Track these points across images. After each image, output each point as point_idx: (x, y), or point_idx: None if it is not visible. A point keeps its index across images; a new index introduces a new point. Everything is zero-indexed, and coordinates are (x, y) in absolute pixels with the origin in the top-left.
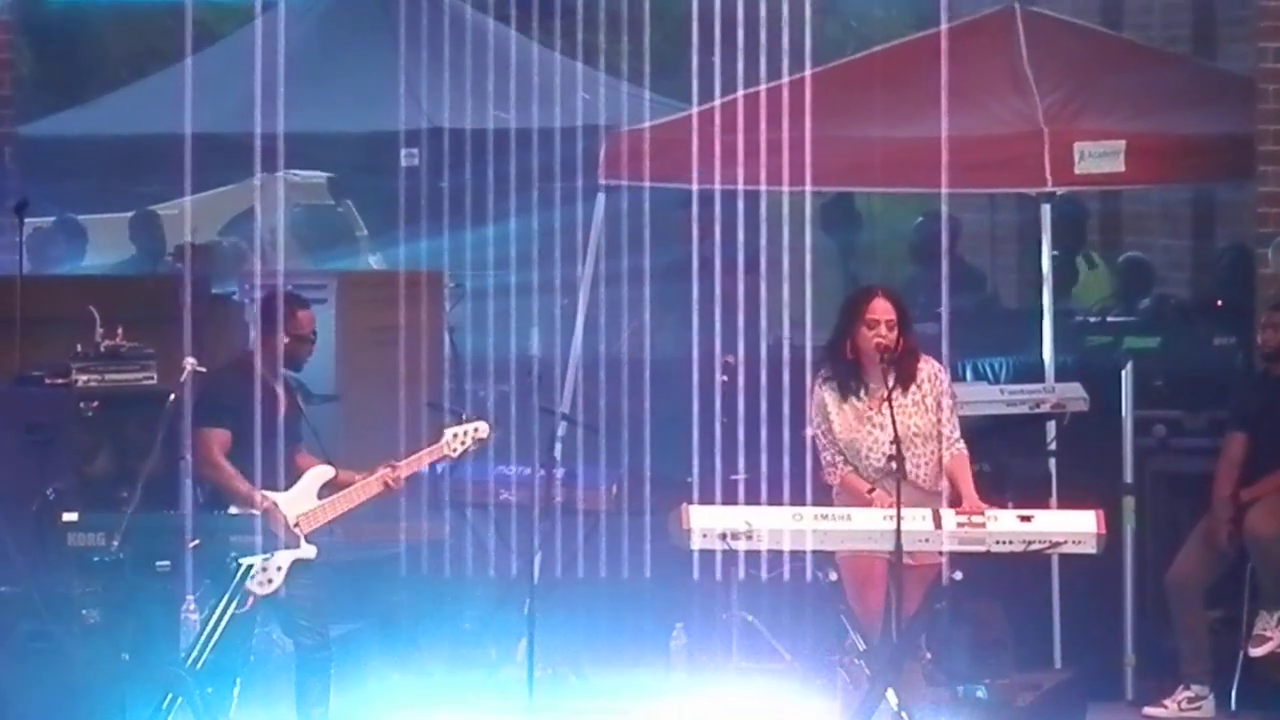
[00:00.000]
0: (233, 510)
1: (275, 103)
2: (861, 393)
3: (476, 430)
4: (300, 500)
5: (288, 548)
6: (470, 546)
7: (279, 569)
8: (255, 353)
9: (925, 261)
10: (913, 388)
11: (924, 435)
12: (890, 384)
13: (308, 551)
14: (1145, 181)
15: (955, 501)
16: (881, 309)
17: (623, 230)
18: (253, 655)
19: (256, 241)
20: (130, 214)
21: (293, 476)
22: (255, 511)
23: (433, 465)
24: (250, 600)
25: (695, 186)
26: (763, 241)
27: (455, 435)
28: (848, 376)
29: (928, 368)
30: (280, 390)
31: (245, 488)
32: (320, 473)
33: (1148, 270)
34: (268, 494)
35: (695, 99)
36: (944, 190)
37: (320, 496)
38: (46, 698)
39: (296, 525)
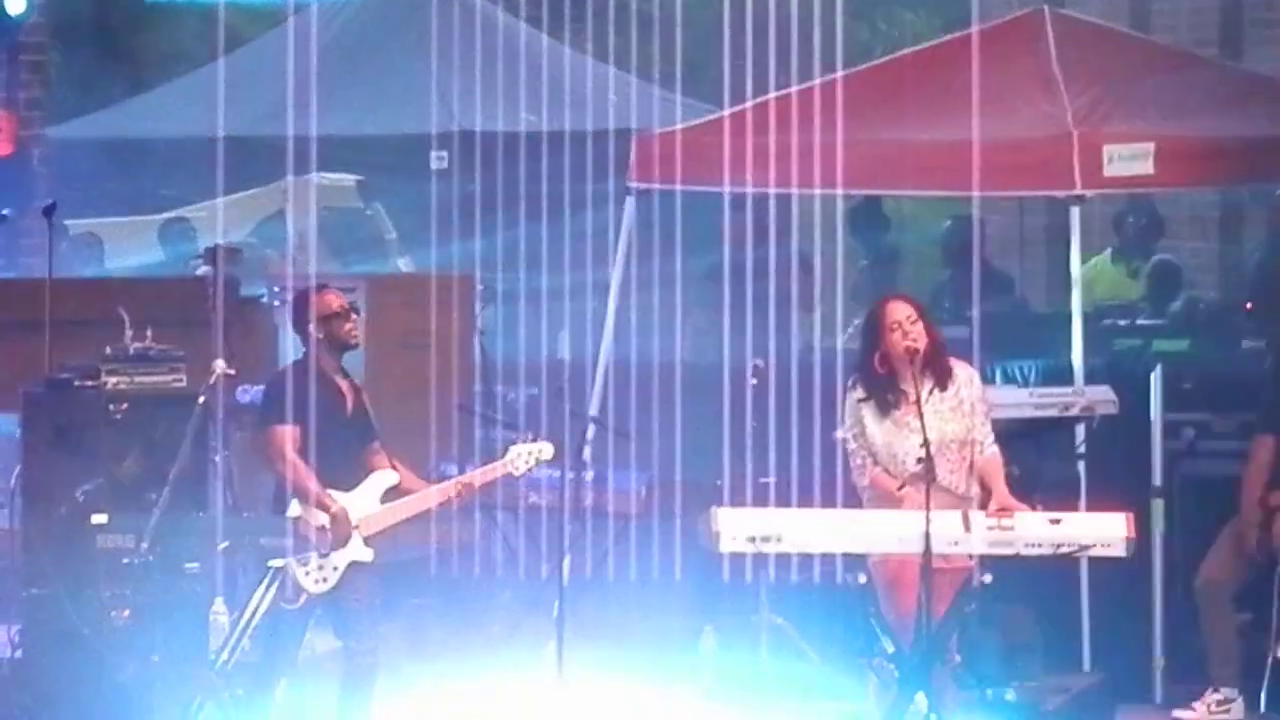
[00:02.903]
0: (294, 510)
1: (305, 105)
2: (899, 401)
3: (541, 451)
4: (363, 503)
5: (323, 555)
6: (500, 549)
7: (335, 569)
8: (311, 350)
9: (954, 264)
10: (950, 391)
11: (959, 441)
12: (926, 385)
13: (365, 554)
14: (1174, 184)
15: (987, 501)
16: (899, 309)
17: (654, 233)
18: (294, 660)
19: (289, 245)
20: (157, 216)
21: (363, 476)
22: (325, 512)
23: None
24: (303, 597)
25: (726, 189)
26: (793, 244)
27: (520, 455)
28: (884, 391)
29: (963, 372)
30: (345, 386)
31: (316, 487)
32: (385, 477)
33: (1178, 273)
34: (334, 495)
35: (726, 102)
36: (975, 194)
37: (384, 500)
38: (76, 699)
39: (357, 527)
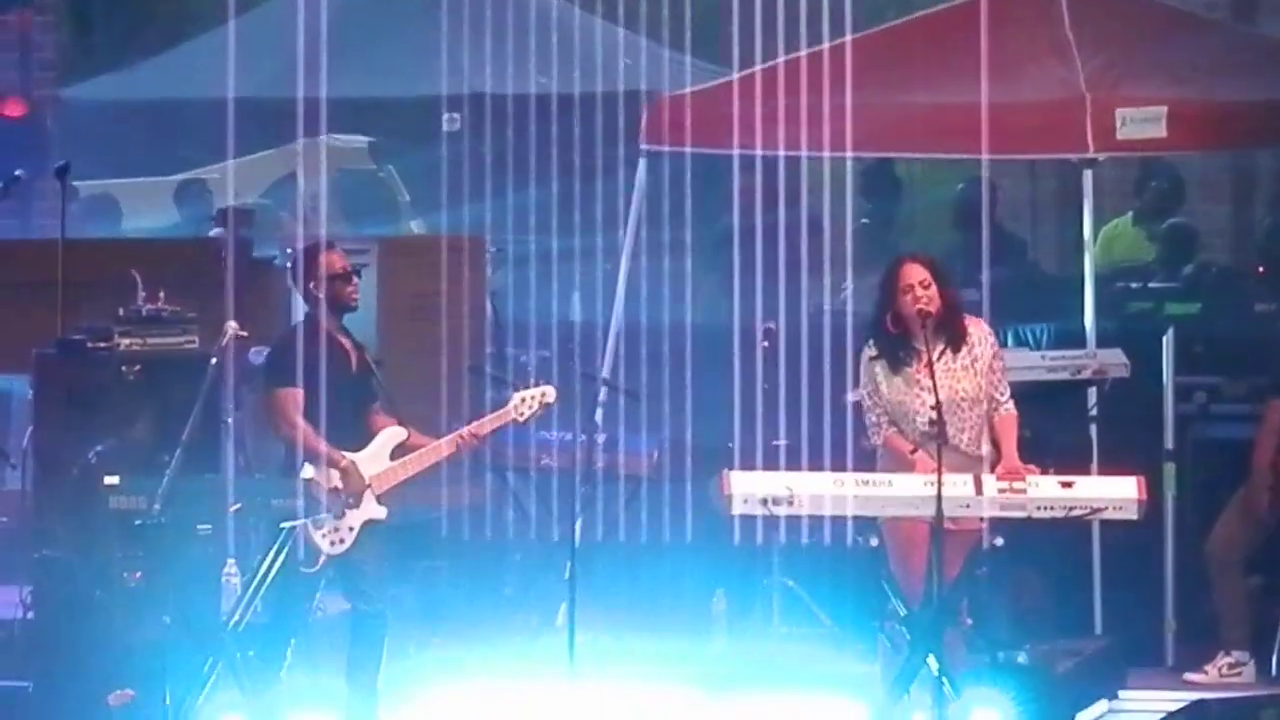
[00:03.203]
0: (306, 472)
1: (317, 67)
2: (911, 361)
3: (544, 395)
4: (373, 461)
5: (335, 515)
6: (511, 511)
7: (351, 529)
8: (318, 310)
9: (966, 228)
10: (963, 350)
11: (970, 399)
12: (939, 346)
13: (379, 512)
14: (1187, 147)
15: (996, 463)
16: (913, 272)
17: (664, 196)
18: (307, 618)
19: (300, 207)
20: (170, 178)
21: (368, 436)
22: (337, 468)
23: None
24: (321, 559)
25: (736, 152)
26: (803, 207)
27: (523, 399)
28: (895, 349)
29: (977, 330)
30: (349, 346)
31: (324, 447)
32: (393, 434)
33: (1192, 237)
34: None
35: (737, 65)
36: (986, 157)
37: (393, 458)
38: (87, 660)
39: (369, 485)
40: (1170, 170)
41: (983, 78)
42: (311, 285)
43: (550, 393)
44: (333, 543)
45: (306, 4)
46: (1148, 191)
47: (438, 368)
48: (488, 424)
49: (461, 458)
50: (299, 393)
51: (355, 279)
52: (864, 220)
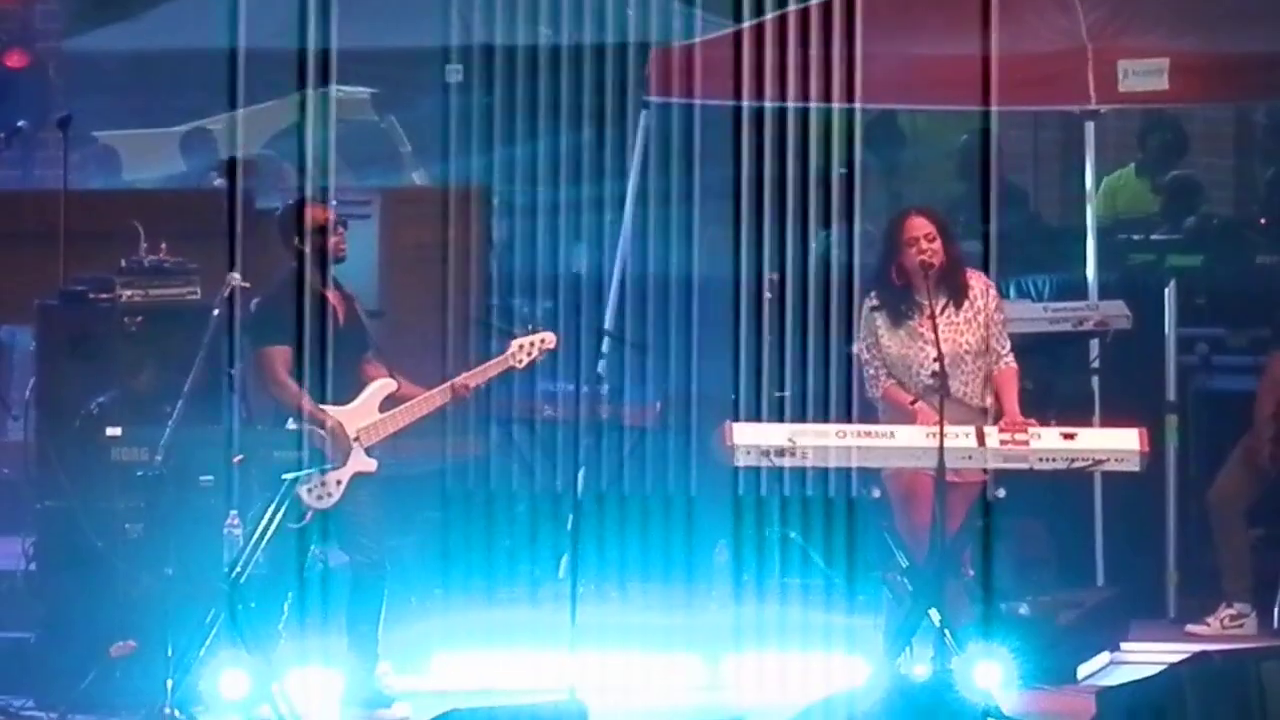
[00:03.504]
0: (291, 425)
1: (320, 17)
2: (913, 314)
3: (543, 341)
4: (362, 414)
5: (336, 466)
6: (514, 463)
7: (338, 483)
8: (303, 264)
9: (969, 179)
10: (965, 304)
11: (973, 352)
12: (941, 300)
13: (368, 465)
14: (1189, 100)
15: (998, 416)
16: (919, 225)
17: (672, 148)
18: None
19: (308, 157)
20: (172, 129)
21: (360, 387)
22: (321, 430)
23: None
24: (308, 515)
25: (745, 103)
26: (809, 159)
27: (521, 346)
28: (898, 301)
29: (978, 283)
30: (334, 299)
31: (310, 405)
32: (383, 385)
33: (1196, 189)
34: (329, 409)
35: (746, 15)
36: (991, 108)
37: (383, 409)
38: (89, 611)
39: (357, 439)
40: (1173, 123)
41: (992, 29)
42: (297, 240)
43: (550, 338)
44: (319, 497)
45: None
46: (1150, 144)
47: (440, 318)
48: (489, 370)
49: (456, 408)
50: (286, 350)
51: (341, 230)
52: (858, 172)
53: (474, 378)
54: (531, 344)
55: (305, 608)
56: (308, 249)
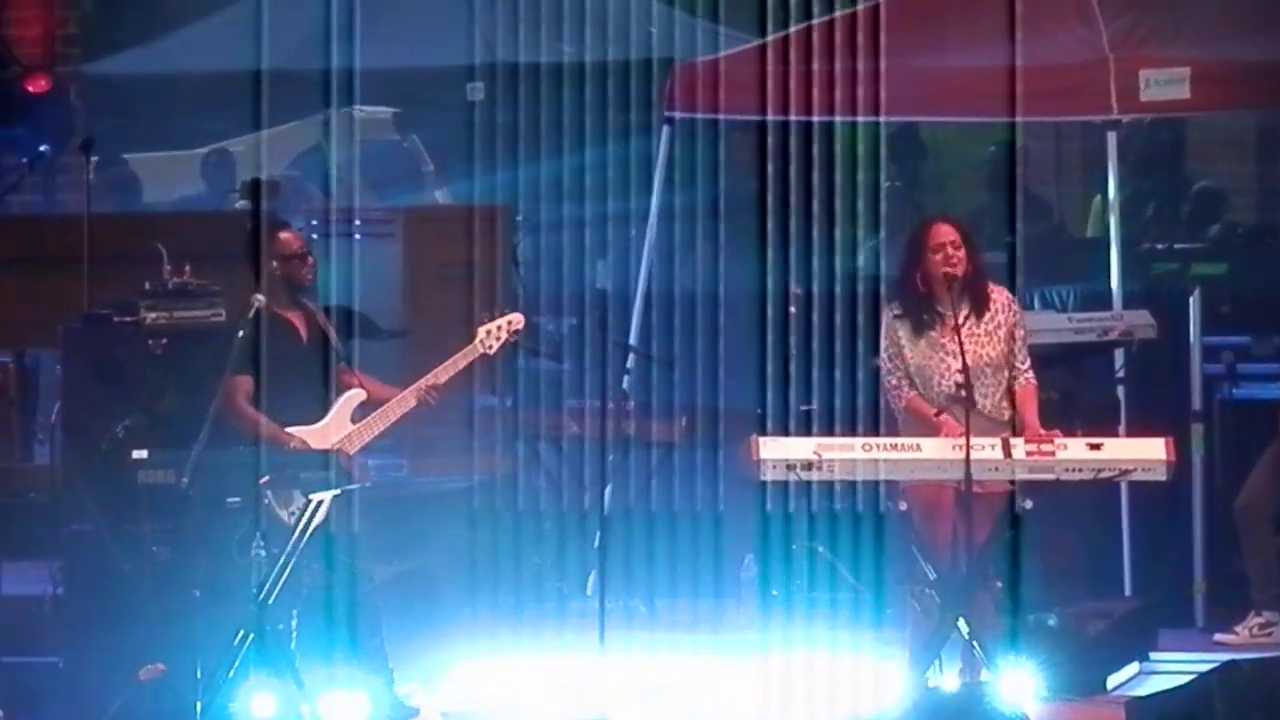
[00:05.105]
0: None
1: (342, 38)
2: (935, 324)
3: (511, 323)
4: (334, 429)
5: (350, 485)
6: (541, 480)
7: (319, 503)
8: (260, 289)
9: (994, 190)
10: (986, 316)
11: (995, 365)
12: (963, 310)
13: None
14: (1211, 108)
15: (1019, 430)
16: (944, 232)
17: (696, 162)
18: (305, 590)
19: (333, 178)
20: (194, 151)
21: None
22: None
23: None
24: (294, 535)
25: (769, 118)
26: (835, 173)
27: (489, 331)
28: (920, 310)
29: (1000, 297)
30: (295, 319)
31: (269, 430)
32: (351, 397)
33: (1219, 199)
34: (296, 430)
35: (770, 29)
36: (1014, 119)
37: (355, 420)
38: (117, 635)
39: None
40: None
41: (1012, 41)
42: (273, 265)
43: (518, 319)
44: (291, 514)
45: None
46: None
47: (464, 337)
48: (448, 369)
49: (433, 407)
50: (247, 380)
51: (310, 259)
52: (895, 183)
53: (443, 373)
54: (499, 327)
55: (329, 629)
56: (277, 273)
